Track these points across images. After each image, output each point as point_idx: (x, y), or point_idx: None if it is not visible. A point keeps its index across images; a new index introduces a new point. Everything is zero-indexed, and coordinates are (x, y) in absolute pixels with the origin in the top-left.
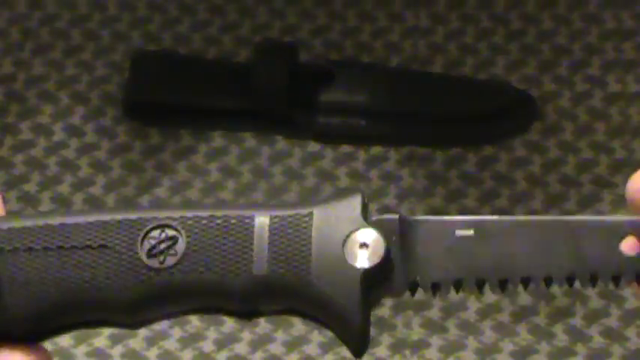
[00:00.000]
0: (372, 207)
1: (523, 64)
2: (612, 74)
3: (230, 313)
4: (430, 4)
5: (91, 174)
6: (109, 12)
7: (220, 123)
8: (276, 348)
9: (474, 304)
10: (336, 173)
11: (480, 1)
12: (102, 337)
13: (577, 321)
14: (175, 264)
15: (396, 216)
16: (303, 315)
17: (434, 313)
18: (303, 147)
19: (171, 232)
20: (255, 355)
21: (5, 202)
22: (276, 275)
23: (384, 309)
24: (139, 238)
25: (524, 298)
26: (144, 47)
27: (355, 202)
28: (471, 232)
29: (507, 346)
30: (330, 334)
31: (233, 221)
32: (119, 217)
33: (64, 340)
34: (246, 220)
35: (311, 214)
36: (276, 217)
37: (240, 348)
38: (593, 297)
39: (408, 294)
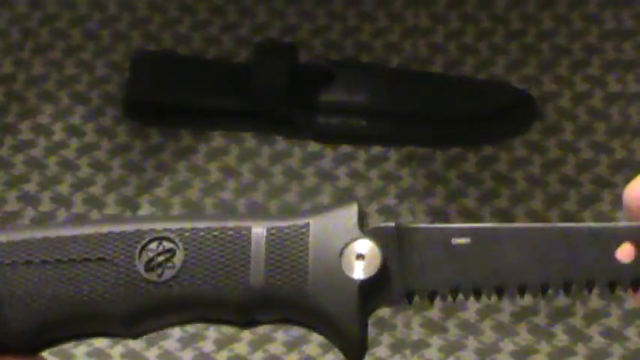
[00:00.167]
0: (372, 207)
1: (523, 64)
2: (612, 74)
3: (228, 323)
4: (430, 4)
5: (91, 174)
6: (109, 12)
7: (220, 123)
8: (276, 348)
9: (474, 304)
10: (336, 173)
11: (479, 1)
12: (102, 338)
13: (577, 321)
14: (173, 277)
15: (392, 224)
16: (301, 325)
17: (434, 313)
18: (303, 147)
19: (168, 245)
20: (255, 355)
21: (5, 202)
22: (274, 287)
23: (384, 309)
24: (137, 251)
25: (524, 298)
26: (144, 47)
27: (351, 212)
28: (467, 239)
29: (507, 346)
30: None
31: (230, 233)
32: (117, 229)
33: None
34: (243, 232)
35: (307, 225)
36: (272, 228)
37: (240, 348)
38: (593, 297)
39: (404, 302)
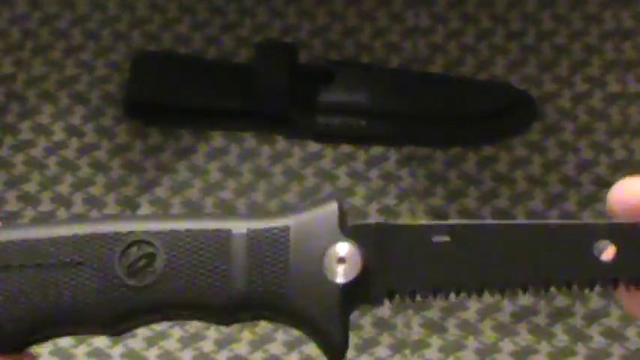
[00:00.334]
0: (372, 207)
1: (523, 64)
2: (612, 74)
3: (209, 322)
4: (430, 4)
5: (91, 174)
6: (109, 12)
7: (220, 123)
8: (276, 348)
9: (473, 304)
10: (336, 173)
11: (480, 1)
12: (102, 337)
13: (577, 321)
14: (154, 282)
15: (373, 223)
16: (283, 324)
17: (434, 313)
18: (303, 147)
19: (148, 249)
20: (255, 355)
21: (5, 202)
22: (254, 292)
23: (384, 309)
24: (117, 256)
25: (524, 298)
26: (144, 47)
27: (332, 212)
28: (446, 238)
29: (507, 346)
30: None
31: (210, 236)
32: (95, 232)
33: (64, 340)
34: (223, 235)
35: (287, 228)
36: (252, 231)
37: (240, 348)
38: (593, 297)
39: (386, 300)
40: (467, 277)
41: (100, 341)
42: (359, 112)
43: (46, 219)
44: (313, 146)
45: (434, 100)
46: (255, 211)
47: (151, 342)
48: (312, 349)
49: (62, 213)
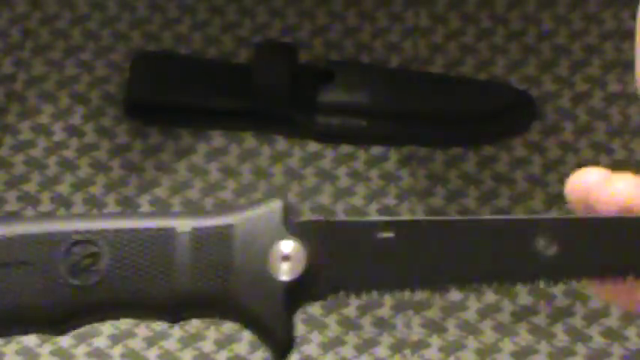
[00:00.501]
0: (372, 207)
1: (523, 64)
2: (612, 74)
3: (155, 321)
4: (430, 4)
5: (91, 174)
6: (109, 12)
7: (220, 123)
8: None
9: (473, 304)
10: (336, 173)
11: (480, 1)
12: (102, 337)
13: (577, 321)
14: (99, 281)
15: (317, 219)
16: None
17: (434, 313)
18: (303, 147)
19: (92, 248)
20: (254, 355)
21: (5, 202)
22: (199, 290)
23: (384, 309)
24: (61, 256)
25: (524, 298)
26: (144, 47)
27: (276, 210)
28: (391, 234)
29: (507, 346)
30: (330, 333)
31: (154, 235)
32: (39, 231)
33: (64, 340)
34: (168, 234)
35: (232, 226)
36: (196, 229)
37: (240, 348)
38: (593, 297)
39: (331, 297)
40: (410, 273)
41: (100, 341)
42: (359, 112)
43: None
44: (313, 146)
45: (434, 100)
46: (200, 210)
47: (151, 342)
48: (312, 349)
49: (62, 213)
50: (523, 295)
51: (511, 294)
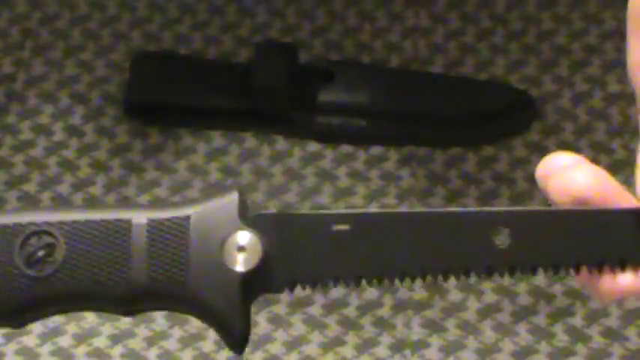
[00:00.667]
0: (372, 207)
1: (523, 64)
2: (612, 74)
3: (110, 312)
4: (430, 4)
5: (91, 174)
6: (109, 12)
7: (220, 123)
8: (276, 348)
9: (473, 304)
10: (336, 173)
11: (480, 1)
12: (102, 337)
13: (577, 321)
14: (54, 272)
15: (274, 212)
16: (185, 314)
17: (434, 313)
18: (303, 147)
19: (49, 239)
20: (255, 355)
21: (5, 202)
22: (155, 282)
23: (384, 309)
24: (17, 246)
25: (524, 298)
26: (144, 47)
27: (232, 202)
28: (347, 226)
29: (507, 346)
30: (330, 333)
31: (110, 226)
32: None
33: (64, 340)
34: (124, 225)
35: (188, 217)
36: (153, 220)
37: None
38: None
39: (287, 289)
40: (366, 266)
41: (100, 341)
42: (359, 112)
43: None
44: (313, 146)
45: (434, 100)
46: (158, 202)
47: (151, 342)
48: (312, 349)
49: None
50: (523, 295)
51: (511, 294)
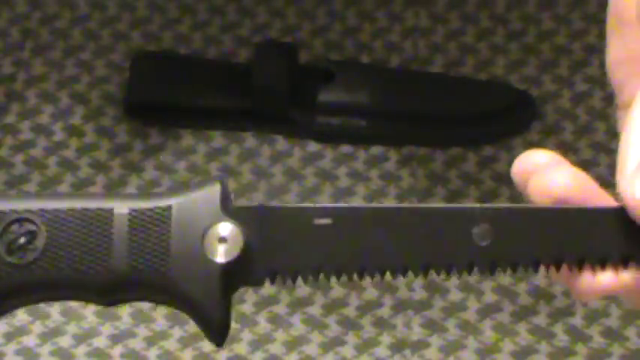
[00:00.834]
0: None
1: (523, 64)
2: None
3: (90, 302)
4: (430, 4)
5: (91, 174)
6: (109, 12)
7: (220, 123)
8: (276, 348)
9: (473, 304)
10: (336, 173)
11: (480, 1)
12: (102, 337)
13: (577, 321)
14: (35, 260)
15: (256, 205)
16: (165, 305)
17: (434, 313)
18: (303, 147)
19: (30, 227)
20: (255, 355)
21: None
22: (135, 271)
23: (384, 309)
24: None
25: (524, 298)
26: (144, 47)
27: (214, 193)
28: (328, 220)
29: (507, 346)
30: (330, 333)
31: (92, 215)
32: None
33: (64, 340)
34: (105, 214)
35: (170, 207)
36: (135, 210)
37: (240, 348)
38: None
39: (267, 282)
40: (347, 261)
41: (100, 341)
42: (359, 112)
43: None
44: (313, 146)
45: (434, 100)
46: (140, 192)
47: (151, 342)
48: (312, 348)
49: None
50: (523, 295)
51: (511, 294)
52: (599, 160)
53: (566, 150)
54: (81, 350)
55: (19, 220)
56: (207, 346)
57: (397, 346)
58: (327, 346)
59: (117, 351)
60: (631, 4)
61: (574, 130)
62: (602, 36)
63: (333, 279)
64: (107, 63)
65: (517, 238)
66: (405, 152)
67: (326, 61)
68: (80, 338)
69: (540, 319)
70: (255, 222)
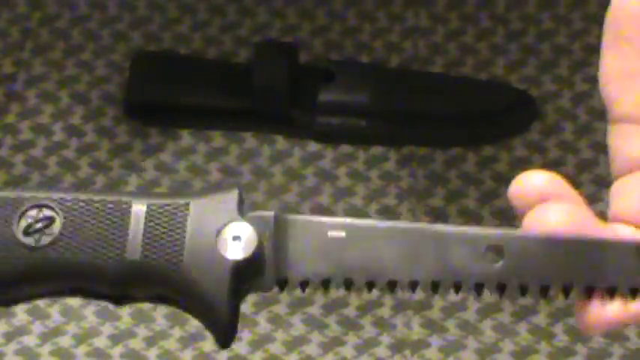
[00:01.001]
0: (372, 207)
1: (523, 64)
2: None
3: (103, 297)
4: (430, 4)
5: (91, 174)
6: (109, 12)
7: (220, 123)
8: (276, 348)
9: (473, 304)
10: (336, 173)
11: (480, 1)
12: (102, 337)
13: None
14: (50, 243)
15: (272, 213)
16: (175, 304)
17: (434, 313)
18: (303, 147)
19: (48, 212)
20: (255, 355)
21: None
22: (149, 260)
23: (384, 309)
24: (17, 216)
25: (524, 298)
26: (144, 47)
27: (232, 197)
28: (342, 233)
29: (507, 346)
30: (330, 333)
31: (110, 206)
32: (1, 196)
33: (64, 340)
34: (124, 206)
35: (188, 204)
36: (153, 204)
37: (240, 348)
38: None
39: (276, 288)
40: (358, 273)
41: (100, 341)
42: (359, 112)
43: None
44: (313, 146)
45: (434, 100)
46: (159, 192)
47: (151, 342)
48: (312, 348)
49: None
50: None
51: None
52: (599, 160)
53: (566, 150)
54: (81, 350)
55: (39, 206)
56: (207, 346)
57: (397, 346)
58: (327, 346)
59: (117, 351)
60: (631, 21)
61: (574, 130)
62: (602, 36)
63: (342, 291)
64: (107, 63)
65: (528, 262)
66: (405, 152)
67: (326, 61)
68: (80, 338)
69: (540, 319)
70: (270, 230)
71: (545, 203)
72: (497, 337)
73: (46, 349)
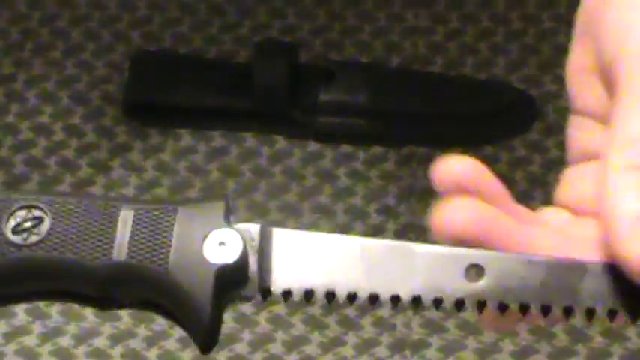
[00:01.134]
0: (372, 207)
1: (523, 64)
2: None
3: (88, 300)
4: (430, 4)
5: (91, 174)
6: (109, 12)
7: (220, 123)
8: (276, 348)
9: None
10: (336, 173)
11: (480, 1)
12: (102, 337)
13: (577, 321)
14: (38, 242)
15: (257, 225)
16: (159, 308)
17: (434, 313)
18: (303, 147)
19: (38, 213)
20: (255, 355)
21: None
22: (135, 262)
23: (384, 309)
24: (6, 216)
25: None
26: (144, 47)
27: (219, 205)
28: (326, 247)
29: (507, 346)
30: (330, 333)
31: (99, 208)
32: None
33: (64, 340)
34: (112, 209)
35: (176, 210)
36: (141, 209)
37: (240, 348)
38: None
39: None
40: (340, 286)
41: (100, 341)
42: (359, 112)
43: None
44: (313, 146)
45: (434, 100)
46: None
47: (151, 342)
48: (312, 348)
49: None
50: None
51: None
52: None
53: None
54: (81, 350)
55: (28, 207)
56: None
57: (397, 346)
58: (327, 346)
59: (117, 351)
60: (599, 21)
61: None
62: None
63: (324, 301)
64: (107, 63)
65: (508, 282)
66: (405, 152)
67: (326, 61)
68: (80, 338)
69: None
70: (255, 240)
71: (452, 201)
72: (497, 337)
73: (46, 349)
